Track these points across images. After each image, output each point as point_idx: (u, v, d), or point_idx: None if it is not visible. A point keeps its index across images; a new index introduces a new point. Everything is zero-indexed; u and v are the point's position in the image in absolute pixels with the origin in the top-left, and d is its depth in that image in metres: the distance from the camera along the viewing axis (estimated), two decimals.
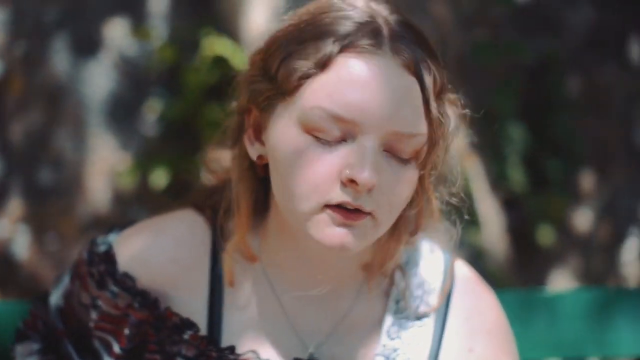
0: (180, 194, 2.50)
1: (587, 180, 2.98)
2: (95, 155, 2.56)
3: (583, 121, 2.96)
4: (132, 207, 2.59)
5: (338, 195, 1.30)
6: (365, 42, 1.30)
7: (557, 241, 2.92)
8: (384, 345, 1.45)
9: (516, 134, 2.85)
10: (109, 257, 1.49)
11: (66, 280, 1.54)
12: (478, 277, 1.53)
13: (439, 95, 1.33)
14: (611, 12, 3.01)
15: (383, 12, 1.35)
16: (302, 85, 1.31)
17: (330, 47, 1.30)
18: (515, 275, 2.86)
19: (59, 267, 2.46)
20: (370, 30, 1.31)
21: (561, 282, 2.97)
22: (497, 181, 2.82)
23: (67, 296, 1.51)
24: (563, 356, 1.96)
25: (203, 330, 1.45)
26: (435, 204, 1.42)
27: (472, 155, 2.70)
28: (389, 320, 1.47)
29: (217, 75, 2.46)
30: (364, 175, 1.28)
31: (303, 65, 1.30)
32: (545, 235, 2.89)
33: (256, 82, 1.36)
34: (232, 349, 1.44)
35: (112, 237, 1.52)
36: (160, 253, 1.48)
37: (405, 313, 1.47)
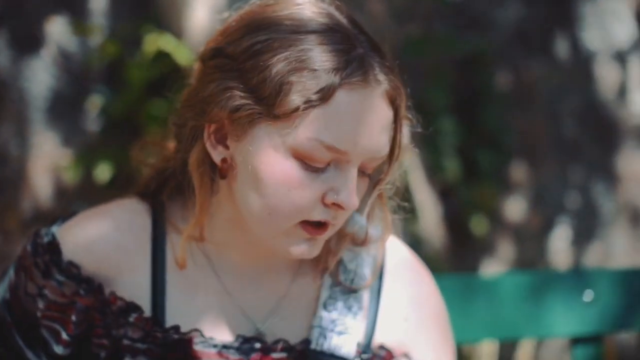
0: (123, 188, 2.54)
1: (517, 171, 3.06)
2: (38, 150, 2.57)
3: (512, 114, 3.04)
4: (76, 202, 2.61)
5: (318, 215, 1.38)
6: (357, 77, 1.35)
7: (490, 229, 3.00)
8: (321, 317, 1.51)
9: (449, 127, 2.92)
10: (53, 246, 1.52)
11: (11, 273, 1.56)
12: (412, 252, 1.61)
13: (402, 120, 1.41)
14: (537, 9, 3.10)
15: (354, 32, 1.39)
16: (299, 115, 1.34)
17: (331, 80, 1.34)
18: (451, 262, 2.93)
19: (3, 262, 2.46)
20: (358, 62, 1.36)
21: (494, 268, 3.06)
22: (433, 172, 2.89)
23: (13, 288, 1.54)
24: (501, 337, 2.04)
25: (147, 312, 1.49)
26: (389, 215, 1.50)
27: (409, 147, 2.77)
28: (325, 293, 1.53)
29: (159, 71, 2.49)
30: (351, 200, 1.36)
31: (303, 96, 1.34)
32: (479, 223, 2.97)
33: (237, 97, 1.37)
34: (176, 328, 1.48)
35: (55, 228, 1.55)
36: (104, 239, 1.51)
37: (340, 286, 1.54)
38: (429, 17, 2.92)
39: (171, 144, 1.57)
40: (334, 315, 1.52)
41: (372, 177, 1.45)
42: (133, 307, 1.49)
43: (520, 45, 3.09)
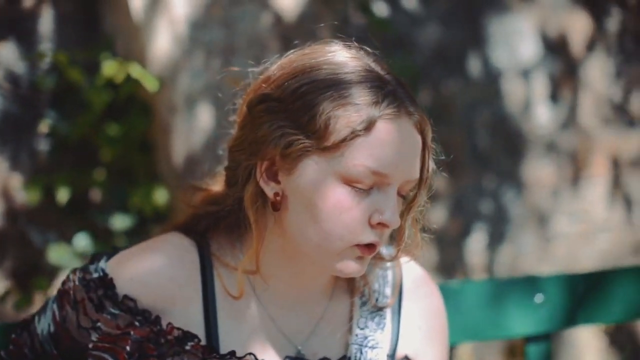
0: (79, 211, 2.58)
1: (438, 181, 3.21)
2: None
3: (433, 128, 3.17)
4: (29, 225, 2.63)
5: (369, 237, 1.53)
6: (392, 108, 1.52)
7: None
8: (357, 335, 1.68)
9: None
10: (105, 282, 1.61)
11: (54, 307, 1.65)
12: (424, 270, 1.80)
13: (430, 146, 1.59)
14: (453, 30, 3.26)
15: (384, 74, 1.57)
16: (345, 145, 1.50)
17: (371, 112, 1.51)
18: None
19: None
20: (392, 97, 1.53)
21: None
22: None
23: (61, 322, 1.63)
24: (469, 341, 2.22)
25: (202, 340, 1.61)
26: (419, 235, 1.65)
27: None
28: (357, 314, 1.70)
29: (115, 95, 2.56)
30: (394, 220, 1.52)
31: (349, 127, 1.50)
32: None
33: (289, 135, 1.52)
34: (232, 353, 1.61)
35: (103, 264, 1.65)
36: (159, 274, 1.62)
37: (368, 306, 1.70)
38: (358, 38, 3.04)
39: (217, 188, 1.70)
40: (366, 332, 1.68)
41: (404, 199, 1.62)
42: (190, 336, 1.60)
43: (439, 64, 3.23)
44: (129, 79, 2.44)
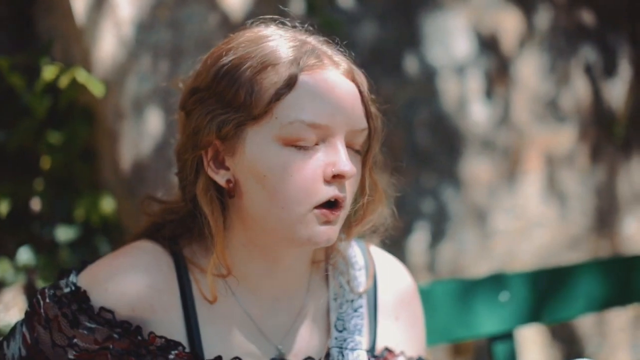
0: (20, 223, 2.47)
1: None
2: None
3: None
4: None
5: (327, 193, 1.51)
6: (313, 60, 1.52)
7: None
8: (336, 338, 1.65)
9: None
10: (79, 295, 1.54)
11: (23, 330, 1.56)
12: (393, 256, 1.79)
13: (368, 95, 1.60)
14: (389, 30, 3.24)
15: (305, 37, 1.59)
16: (274, 107, 1.49)
17: (291, 69, 1.50)
18: None
19: None
20: (310, 51, 1.54)
21: None
22: None
23: (32, 344, 1.54)
24: (439, 342, 2.21)
25: (186, 347, 1.56)
26: (380, 188, 1.68)
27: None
28: (333, 316, 1.67)
29: (54, 101, 2.46)
30: (348, 168, 1.50)
31: (271, 89, 1.49)
32: None
33: (218, 116, 1.51)
34: (219, 359, 1.55)
35: (74, 278, 1.57)
36: (136, 282, 1.55)
37: (345, 304, 1.67)
38: None
39: (175, 198, 1.65)
40: (345, 334, 1.65)
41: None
42: (173, 344, 1.54)
43: (377, 63, 3.21)
44: (72, 84, 2.34)
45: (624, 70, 3.74)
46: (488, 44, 3.43)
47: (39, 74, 2.41)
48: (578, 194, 3.65)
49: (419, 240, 3.32)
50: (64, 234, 2.51)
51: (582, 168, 3.66)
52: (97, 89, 2.32)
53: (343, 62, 1.57)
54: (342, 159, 1.50)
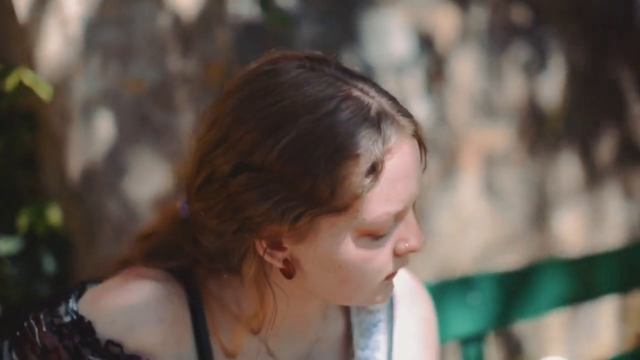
0: None
1: None
2: None
3: None
4: None
5: (397, 266, 1.43)
6: (394, 139, 1.35)
7: None
8: (359, 358, 1.58)
9: None
10: (82, 326, 1.41)
11: (13, 357, 1.44)
12: (412, 275, 1.71)
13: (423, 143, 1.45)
14: (328, 29, 3.18)
15: (359, 89, 1.39)
16: (359, 201, 1.33)
17: (375, 156, 1.33)
18: None
19: None
20: (384, 121, 1.35)
21: None
22: None
23: None
24: None
25: None
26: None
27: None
28: (356, 334, 1.60)
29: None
30: (420, 242, 1.41)
31: (357, 182, 1.32)
32: None
33: (293, 208, 1.33)
34: None
35: (74, 305, 1.44)
36: (147, 315, 1.43)
37: (365, 324, 1.61)
38: (224, 45, 2.92)
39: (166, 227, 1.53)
40: (367, 353, 1.58)
41: None
42: None
43: None
44: (17, 86, 2.19)
45: (559, 66, 3.77)
46: (425, 43, 3.40)
47: None
48: (515, 192, 3.67)
49: None
50: (5, 245, 2.36)
51: (519, 165, 3.67)
52: (44, 91, 2.16)
53: (407, 122, 1.39)
54: (415, 235, 1.40)
